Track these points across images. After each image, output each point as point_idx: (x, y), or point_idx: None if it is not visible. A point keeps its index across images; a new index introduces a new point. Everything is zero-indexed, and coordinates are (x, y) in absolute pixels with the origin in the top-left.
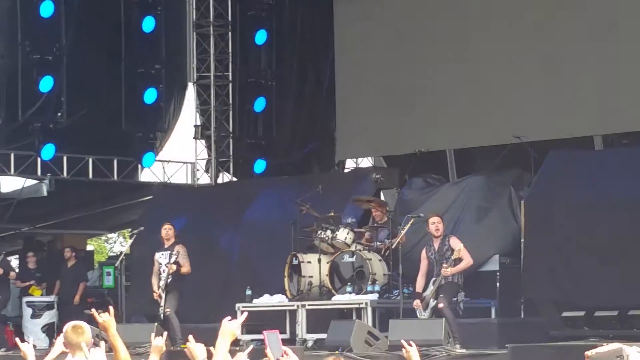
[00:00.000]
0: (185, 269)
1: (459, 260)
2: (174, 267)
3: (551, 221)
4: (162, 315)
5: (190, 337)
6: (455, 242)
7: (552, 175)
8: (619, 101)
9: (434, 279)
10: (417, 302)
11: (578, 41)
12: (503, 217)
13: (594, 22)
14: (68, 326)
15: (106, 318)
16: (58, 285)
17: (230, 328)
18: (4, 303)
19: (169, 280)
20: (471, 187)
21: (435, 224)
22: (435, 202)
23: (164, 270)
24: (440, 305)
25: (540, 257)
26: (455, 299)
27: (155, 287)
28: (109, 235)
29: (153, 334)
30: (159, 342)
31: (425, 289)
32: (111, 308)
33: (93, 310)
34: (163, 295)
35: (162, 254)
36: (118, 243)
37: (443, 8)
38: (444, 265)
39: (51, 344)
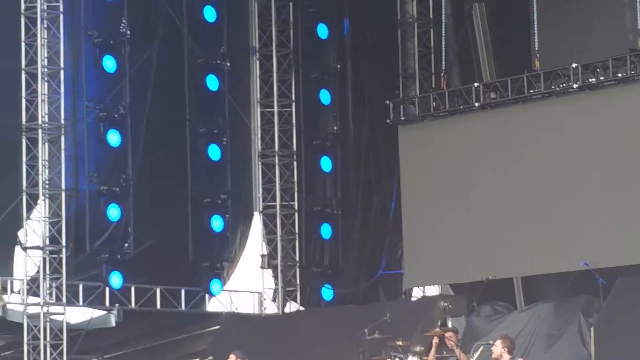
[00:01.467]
0: None
1: None
2: None
3: (622, 348)
4: None
5: None
6: None
7: (622, 302)
8: None
9: None
10: None
11: None
12: (573, 344)
13: None
14: None
15: None
16: None
17: None
18: None
19: None
20: (540, 315)
21: (494, 344)
22: (504, 330)
23: None
24: None
25: None
26: None
27: None
28: None
29: None
30: None
31: None
32: None
33: None
34: None
35: None
36: None
37: (508, 137)
38: None
39: None
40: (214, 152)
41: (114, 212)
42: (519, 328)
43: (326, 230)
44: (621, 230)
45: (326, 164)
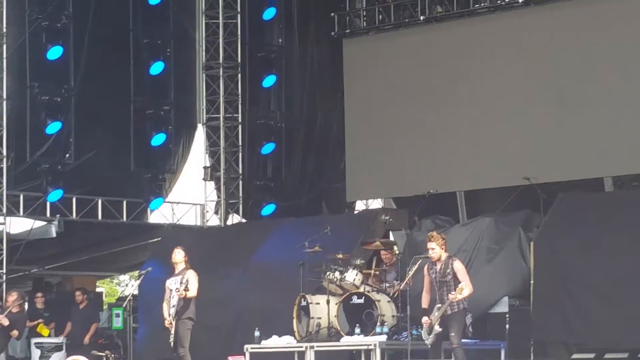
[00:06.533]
0: (191, 293)
1: (460, 290)
2: (184, 293)
3: (560, 263)
4: (172, 344)
5: None
6: (458, 267)
7: (562, 217)
8: (628, 143)
9: (438, 305)
10: (425, 319)
11: (587, 83)
12: (512, 258)
13: (604, 64)
14: None
15: None
16: (69, 327)
17: None
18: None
19: (180, 306)
20: (481, 229)
21: (430, 248)
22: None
23: (173, 297)
24: (455, 345)
25: (550, 298)
26: (466, 324)
27: (166, 314)
28: (121, 278)
29: None
30: None
31: (430, 306)
32: None
33: None
34: (174, 322)
35: (173, 280)
36: (130, 286)
37: (453, 51)
38: (452, 294)
39: None
40: (157, 65)
41: (55, 123)
42: (460, 242)
43: (269, 144)
44: (563, 146)
45: (270, 76)
